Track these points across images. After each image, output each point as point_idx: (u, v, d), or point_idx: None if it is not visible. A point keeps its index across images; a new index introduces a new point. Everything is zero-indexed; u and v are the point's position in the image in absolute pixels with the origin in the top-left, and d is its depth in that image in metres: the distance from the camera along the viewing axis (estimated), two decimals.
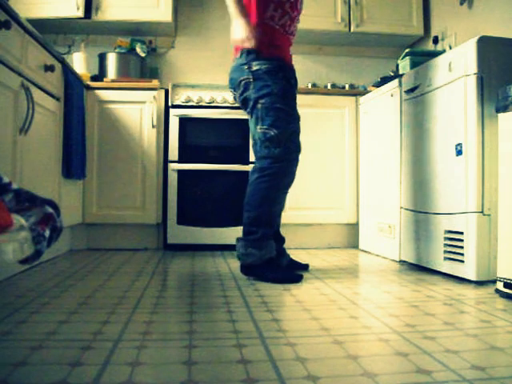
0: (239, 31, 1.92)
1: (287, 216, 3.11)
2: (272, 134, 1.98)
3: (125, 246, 3.01)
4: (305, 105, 3.16)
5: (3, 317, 1.37)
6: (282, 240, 2.23)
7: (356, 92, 3.27)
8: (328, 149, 3.18)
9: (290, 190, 3.18)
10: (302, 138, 3.24)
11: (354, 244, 3.21)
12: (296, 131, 2.07)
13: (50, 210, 0.92)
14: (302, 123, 3.15)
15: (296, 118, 2.07)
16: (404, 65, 2.74)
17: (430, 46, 3.44)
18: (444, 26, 3.31)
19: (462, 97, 1.99)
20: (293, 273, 2.04)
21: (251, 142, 2.13)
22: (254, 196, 2.02)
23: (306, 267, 2.26)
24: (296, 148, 2.06)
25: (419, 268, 2.34)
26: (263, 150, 2.01)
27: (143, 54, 3.40)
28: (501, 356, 1.08)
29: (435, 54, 2.56)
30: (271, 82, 1.97)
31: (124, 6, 3.23)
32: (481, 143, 1.93)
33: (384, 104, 2.77)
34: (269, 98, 1.97)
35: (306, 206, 3.13)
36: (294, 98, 2.09)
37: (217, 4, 3.65)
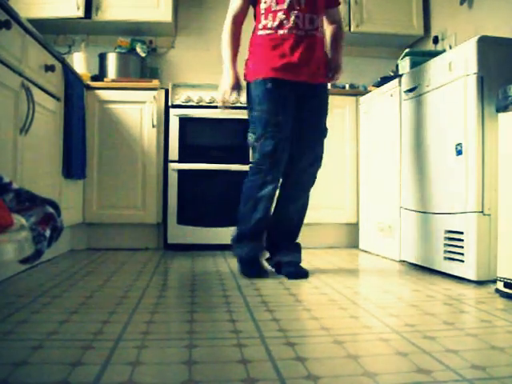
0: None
1: None
2: None
3: (125, 246, 3.01)
4: None
5: (4, 316, 1.37)
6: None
7: (356, 92, 3.27)
8: (328, 148, 3.17)
9: None
10: None
11: (354, 244, 3.21)
12: None
13: (50, 209, 0.92)
14: None
15: None
16: (404, 65, 2.74)
17: (430, 46, 3.44)
18: (444, 26, 3.31)
19: (462, 96, 1.99)
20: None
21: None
22: None
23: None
24: None
25: (419, 268, 2.34)
26: None
27: (143, 54, 3.40)
28: (501, 355, 1.08)
29: (435, 53, 2.56)
30: None
31: (124, 6, 3.23)
32: (481, 143, 1.93)
33: (384, 104, 2.77)
34: None
35: None
36: None
37: (217, 4, 3.64)
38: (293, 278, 2.03)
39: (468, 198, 1.95)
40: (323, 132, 2.21)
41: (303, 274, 2.06)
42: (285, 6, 2.03)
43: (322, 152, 2.22)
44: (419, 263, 2.34)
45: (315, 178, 2.23)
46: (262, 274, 2.08)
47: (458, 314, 1.48)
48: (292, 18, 2.04)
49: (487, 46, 1.95)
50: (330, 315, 1.44)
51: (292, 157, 2.12)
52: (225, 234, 3.01)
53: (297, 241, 2.24)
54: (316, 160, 2.19)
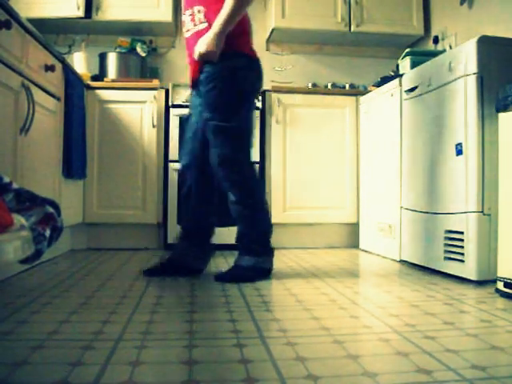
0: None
1: (287, 216, 3.11)
2: None
3: (125, 246, 3.01)
4: (305, 104, 3.17)
5: (4, 316, 1.37)
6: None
7: (356, 92, 3.27)
8: (328, 148, 3.19)
9: (291, 190, 3.20)
10: (303, 137, 3.24)
11: (354, 244, 3.21)
12: None
13: (50, 209, 0.92)
14: (302, 123, 3.17)
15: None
16: (404, 65, 2.74)
17: (431, 46, 3.44)
18: (444, 25, 3.30)
19: (462, 96, 1.99)
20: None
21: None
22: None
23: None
24: None
25: (419, 268, 2.34)
26: None
27: (144, 54, 3.40)
28: (501, 355, 1.08)
29: (435, 53, 2.56)
30: None
31: (124, 6, 3.23)
32: (481, 143, 1.93)
33: (384, 104, 2.77)
34: None
35: (307, 205, 3.13)
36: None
37: None
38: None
39: (468, 198, 1.95)
40: (210, 125, 1.97)
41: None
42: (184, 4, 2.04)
43: (218, 146, 1.97)
44: (419, 263, 2.34)
45: (225, 178, 2.01)
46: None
47: (458, 313, 1.48)
48: (183, 18, 2.04)
49: (487, 46, 1.95)
50: (330, 315, 1.43)
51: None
52: (225, 234, 3.01)
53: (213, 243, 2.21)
54: (217, 157, 1.98)
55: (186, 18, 2.03)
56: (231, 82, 1.94)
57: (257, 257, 2.01)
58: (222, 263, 2.47)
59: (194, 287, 1.85)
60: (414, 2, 3.52)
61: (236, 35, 1.93)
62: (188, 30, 2.02)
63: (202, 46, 1.88)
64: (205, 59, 1.91)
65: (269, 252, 2.07)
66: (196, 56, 1.91)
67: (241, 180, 2.02)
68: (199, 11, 1.95)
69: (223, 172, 2.00)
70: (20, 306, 1.50)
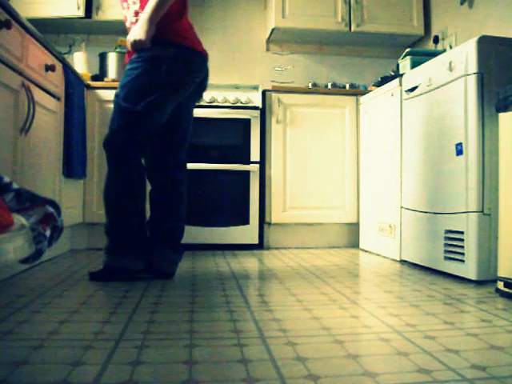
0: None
1: (287, 216, 3.11)
2: None
3: None
4: (305, 104, 3.17)
5: (4, 316, 1.37)
6: None
7: (356, 92, 3.27)
8: (328, 148, 3.19)
9: (291, 190, 3.19)
10: (303, 136, 3.24)
11: (354, 243, 3.21)
12: None
13: (50, 209, 0.92)
14: (302, 122, 3.17)
15: None
16: (404, 64, 2.74)
17: (431, 46, 3.44)
18: (444, 25, 3.31)
19: (463, 96, 1.99)
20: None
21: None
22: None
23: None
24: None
25: (420, 268, 2.34)
26: None
27: None
28: (501, 355, 1.08)
29: (436, 53, 2.56)
30: None
31: None
32: (481, 143, 1.93)
33: (384, 103, 2.77)
34: None
35: (307, 205, 3.13)
36: None
37: (217, 4, 3.65)
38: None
39: (468, 198, 1.96)
40: (115, 101, 2.03)
41: None
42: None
43: (111, 122, 2.09)
44: (420, 263, 2.34)
45: (106, 154, 2.18)
46: None
47: (458, 313, 1.48)
48: (123, 12, 2.03)
49: (487, 46, 1.95)
50: (330, 315, 1.44)
51: None
52: (225, 234, 3.02)
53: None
54: (108, 131, 2.16)
55: (124, 10, 2.03)
56: (150, 70, 1.91)
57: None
58: (222, 263, 2.47)
59: (194, 287, 1.85)
60: (414, 2, 3.52)
61: (164, 23, 1.90)
62: (128, 23, 2.01)
63: (131, 35, 1.88)
64: (136, 48, 1.90)
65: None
66: (128, 46, 1.92)
67: (113, 165, 2.12)
68: (134, 3, 1.95)
69: (106, 147, 2.11)
70: (20, 306, 1.50)
